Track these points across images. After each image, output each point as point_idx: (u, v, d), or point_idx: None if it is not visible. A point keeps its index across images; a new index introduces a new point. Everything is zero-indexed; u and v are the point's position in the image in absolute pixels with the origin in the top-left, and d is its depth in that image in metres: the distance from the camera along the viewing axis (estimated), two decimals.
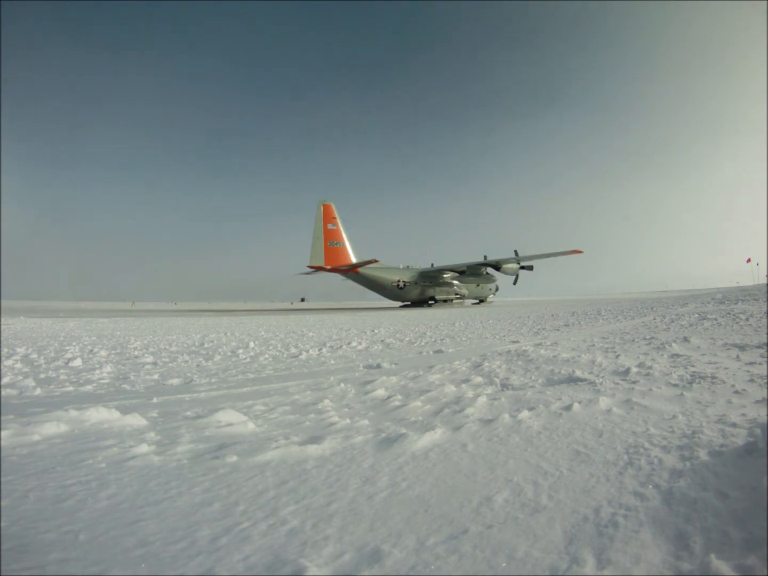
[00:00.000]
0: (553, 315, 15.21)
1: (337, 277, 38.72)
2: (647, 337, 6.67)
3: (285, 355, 5.96)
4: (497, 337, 7.87)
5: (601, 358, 4.63)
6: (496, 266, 38.27)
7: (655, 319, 10.82)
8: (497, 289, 43.71)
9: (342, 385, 3.74)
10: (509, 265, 38.28)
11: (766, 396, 2.81)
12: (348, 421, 2.61)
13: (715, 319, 9.18)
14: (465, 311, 23.24)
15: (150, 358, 5.70)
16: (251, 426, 2.49)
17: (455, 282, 39.22)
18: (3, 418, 2.60)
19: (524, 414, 2.60)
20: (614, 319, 11.74)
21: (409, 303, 39.34)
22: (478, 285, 40.66)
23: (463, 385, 3.58)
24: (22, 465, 1.92)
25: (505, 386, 3.54)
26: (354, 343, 7.25)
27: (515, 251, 37.67)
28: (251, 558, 1.23)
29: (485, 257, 38.81)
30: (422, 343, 7.14)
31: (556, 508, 1.50)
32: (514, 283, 39.81)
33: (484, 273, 40.10)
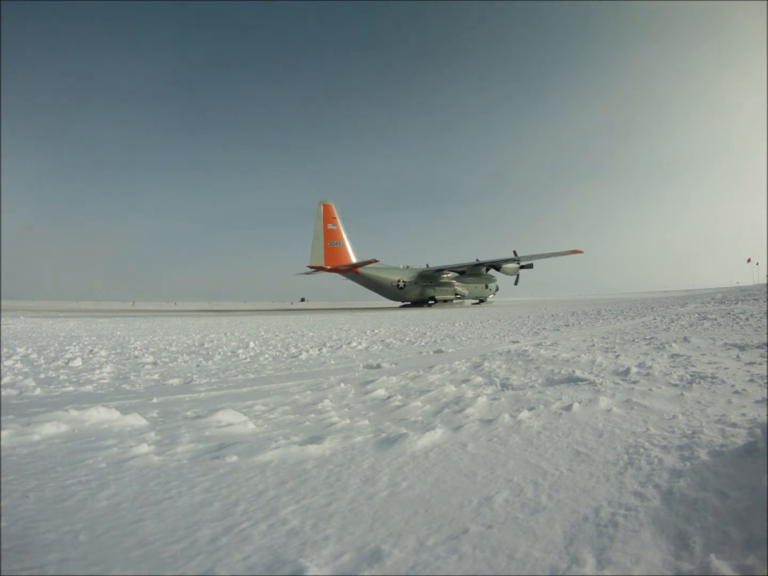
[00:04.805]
0: (553, 315, 15.22)
1: (337, 277, 38.72)
2: (647, 337, 6.67)
3: (285, 355, 5.96)
4: (497, 337, 7.87)
5: (601, 358, 4.63)
6: (496, 266, 38.29)
7: (655, 319, 10.82)
8: (497, 289, 43.72)
9: (342, 385, 3.74)
10: (509, 266, 38.29)
11: (766, 396, 2.81)
12: (348, 421, 2.61)
13: (715, 319, 9.18)
14: (465, 311, 23.24)
15: (150, 358, 5.70)
16: (251, 426, 2.49)
17: (455, 282, 39.23)
18: (3, 418, 2.60)
19: (524, 414, 2.60)
20: (614, 319, 11.74)
21: (409, 303, 39.35)
22: (478, 285, 40.68)
23: (463, 385, 3.58)
24: (22, 465, 1.92)
25: (505, 386, 3.54)
26: (354, 343, 7.24)
27: (514, 251, 37.69)
28: (251, 558, 1.23)
29: (479, 258, 38.83)
30: (422, 343, 7.14)
31: (556, 508, 1.50)
32: (515, 283, 39.81)
33: (484, 273, 40.11)
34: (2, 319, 16.62)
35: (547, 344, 6.20)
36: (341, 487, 1.70)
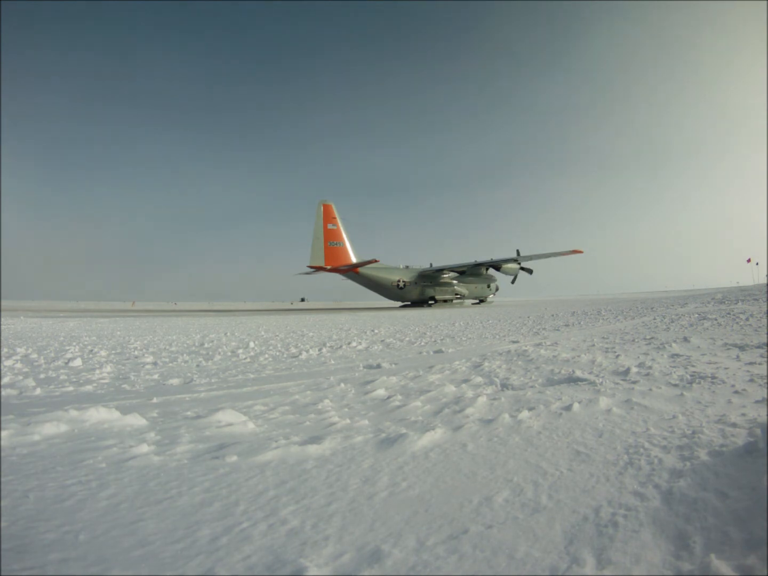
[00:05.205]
0: (553, 315, 15.22)
1: (337, 277, 38.74)
2: (647, 337, 6.67)
3: (285, 355, 5.96)
4: (497, 337, 7.87)
5: (601, 358, 4.63)
6: (496, 266, 38.30)
7: (655, 319, 10.82)
8: (497, 289, 43.73)
9: (342, 385, 3.74)
10: (509, 266, 38.30)
11: (766, 396, 2.81)
12: (348, 421, 2.61)
13: (715, 319, 9.18)
14: (465, 311, 23.24)
15: (150, 358, 5.70)
16: (251, 426, 2.49)
17: (455, 282, 39.24)
18: (3, 418, 2.60)
19: (524, 414, 2.60)
20: (614, 319, 11.74)
21: (409, 303, 39.36)
22: (478, 285, 40.70)
23: (463, 385, 3.58)
24: (22, 465, 1.92)
25: (505, 386, 3.54)
26: (354, 343, 7.24)
27: (517, 251, 37.64)
28: (251, 558, 1.23)
29: (477, 259, 38.84)
30: (422, 343, 7.14)
31: (556, 508, 1.50)
32: (513, 282, 39.82)
33: (484, 273, 40.12)
34: (2, 319, 16.62)
35: (547, 344, 6.20)
36: (341, 487, 1.70)
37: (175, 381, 4.10)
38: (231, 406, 2.92)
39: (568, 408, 2.72)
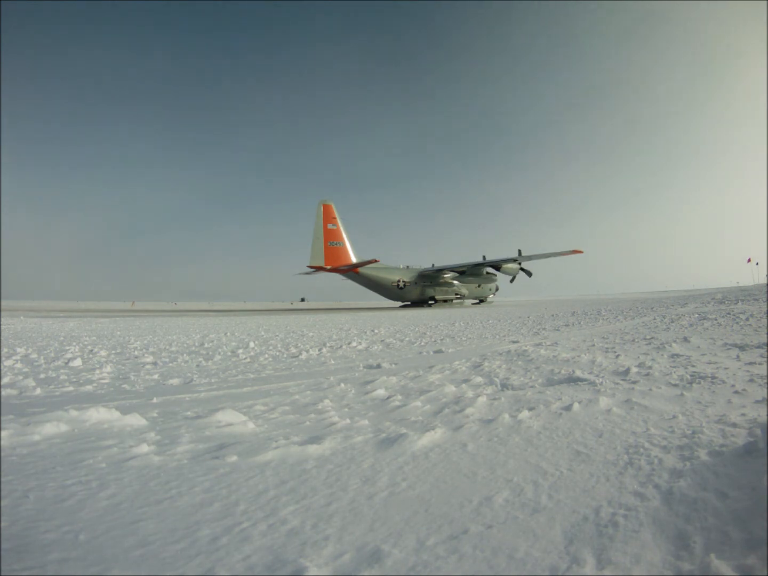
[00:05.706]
0: (553, 315, 15.22)
1: (337, 277, 38.76)
2: (647, 337, 6.67)
3: (285, 355, 5.96)
4: (497, 337, 7.87)
5: (601, 358, 4.63)
6: (496, 266, 38.31)
7: (655, 319, 10.83)
8: (497, 289, 43.76)
9: (342, 385, 3.74)
10: (509, 266, 38.32)
11: (766, 396, 2.81)
12: (348, 421, 2.61)
13: (715, 319, 9.18)
14: (465, 311, 23.24)
15: (150, 358, 5.70)
16: (251, 426, 2.49)
17: (455, 282, 39.26)
18: (3, 418, 2.60)
19: (524, 414, 2.60)
20: (614, 319, 11.74)
21: (409, 303, 39.37)
22: (478, 285, 40.71)
23: (463, 385, 3.58)
24: (22, 465, 1.92)
25: (505, 386, 3.54)
26: (354, 343, 7.24)
27: (519, 251, 37.63)
28: (251, 558, 1.23)
29: (484, 257, 38.86)
30: (422, 343, 7.14)
31: (556, 508, 1.50)
32: (511, 281, 39.84)
33: (484, 273, 40.14)
34: (2, 319, 16.62)
35: (547, 344, 6.20)
36: (341, 487, 1.70)
37: (175, 381, 4.10)
38: (231, 406, 2.92)
39: (568, 408, 2.72)
